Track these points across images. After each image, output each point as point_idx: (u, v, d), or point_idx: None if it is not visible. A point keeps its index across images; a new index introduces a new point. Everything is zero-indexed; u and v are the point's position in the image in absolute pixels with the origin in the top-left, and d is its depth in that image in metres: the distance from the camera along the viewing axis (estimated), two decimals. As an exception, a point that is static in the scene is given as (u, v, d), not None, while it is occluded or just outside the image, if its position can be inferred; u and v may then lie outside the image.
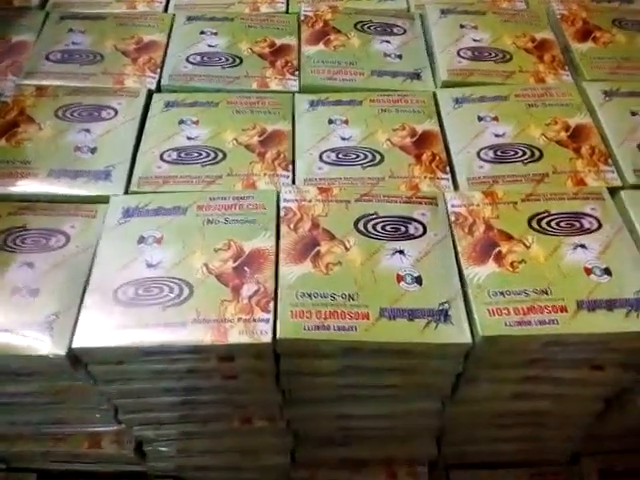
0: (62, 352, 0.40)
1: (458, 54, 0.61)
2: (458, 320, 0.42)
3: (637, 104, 0.57)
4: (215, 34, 0.64)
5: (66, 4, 0.68)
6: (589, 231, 0.47)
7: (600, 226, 0.47)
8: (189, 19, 0.66)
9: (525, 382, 0.46)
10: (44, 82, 0.59)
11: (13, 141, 0.53)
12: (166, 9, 0.69)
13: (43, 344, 0.41)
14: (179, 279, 0.44)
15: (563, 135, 0.54)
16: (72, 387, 0.46)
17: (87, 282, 0.44)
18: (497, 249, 0.46)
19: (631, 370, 0.45)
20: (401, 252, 0.46)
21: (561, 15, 0.66)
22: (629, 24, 0.65)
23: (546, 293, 0.43)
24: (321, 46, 0.63)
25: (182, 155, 0.53)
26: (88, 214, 0.49)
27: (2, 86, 0.59)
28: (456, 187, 0.51)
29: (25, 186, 0.50)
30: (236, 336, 0.40)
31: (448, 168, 0.52)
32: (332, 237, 0.46)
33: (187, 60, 0.61)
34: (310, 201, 0.48)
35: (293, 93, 0.59)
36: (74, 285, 0.44)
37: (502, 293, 0.43)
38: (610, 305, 0.42)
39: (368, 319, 0.41)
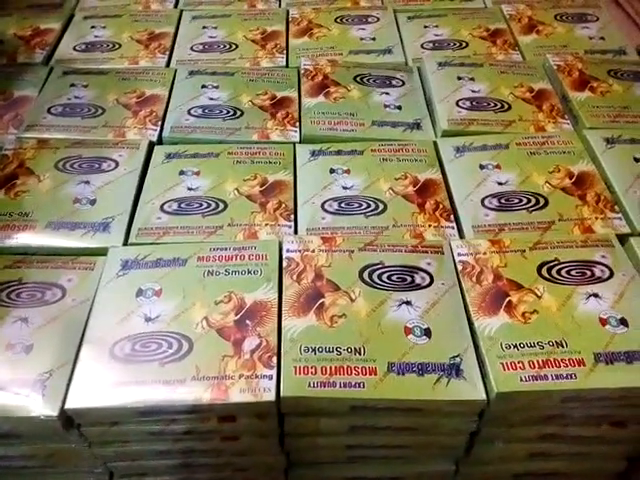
0: (54, 413, 0.37)
1: (457, 104, 0.62)
2: (471, 375, 0.40)
3: (639, 151, 0.57)
4: (216, 87, 0.65)
5: (70, 60, 0.69)
6: (601, 279, 0.46)
7: (612, 274, 0.46)
8: (191, 73, 0.67)
9: (542, 440, 0.44)
10: (45, 135, 0.59)
11: (12, 193, 0.53)
12: (168, 64, 0.70)
13: (34, 404, 0.38)
14: (178, 333, 0.42)
15: (567, 182, 0.54)
16: (65, 450, 0.43)
17: (82, 338, 0.42)
18: (507, 299, 0.44)
19: (654, 426, 0.43)
20: (408, 303, 0.44)
21: (557, 66, 0.67)
22: (625, 75, 0.66)
23: (562, 345, 0.41)
24: (321, 98, 0.63)
25: (183, 206, 0.52)
26: (86, 266, 0.47)
27: (3, 139, 0.59)
28: (461, 235, 0.50)
29: (23, 238, 0.49)
30: (237, 394, 0.38)
31: (452, 216, 0.52)
32: (336, 288, 0.45)
33: (188, 112, 0.61)
34: (313, 251, 0.47)
35: (294, 143, 0.59)
36: (69, 341, 0.42)
37: (515, 346, 0.41)
38: (629, 358, 0.40)
39: (376, 374, 0.39)
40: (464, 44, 0.72)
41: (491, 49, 0.71)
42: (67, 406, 0.38)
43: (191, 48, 0.71)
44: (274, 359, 0.40)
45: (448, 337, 0.42)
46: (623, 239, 0.49)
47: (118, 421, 0.39)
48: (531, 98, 0.63)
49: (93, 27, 0.74)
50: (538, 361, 0.40)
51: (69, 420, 0.38)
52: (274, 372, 0.40)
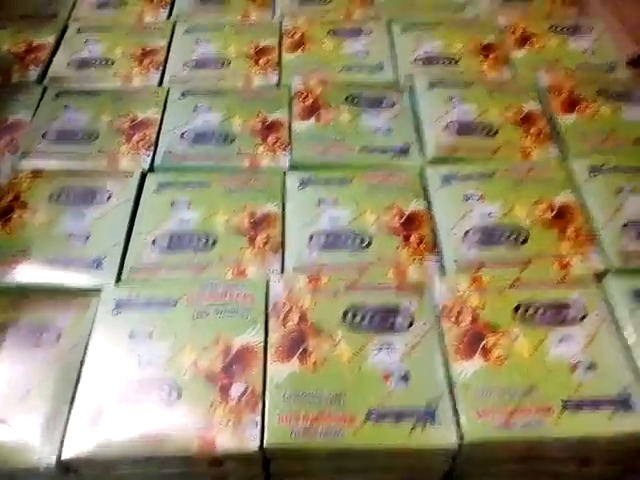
0: (52, 461, 0.40)
1: (445, 129, 0.62)
2: (445, 421, 0.42)
3: (622, 180, 0.57)
4: (209, 109, 0.65)
5: (63, 78, 0.70)
6: (574, 322, 0.47)
7: (585, 316, 0.48)
8: (183, 94, 0.67)
9: (517, 476, 0.46)
10: (40, 163, 0.60)
11: (7, 228, 0.55)
12: (161, 81, 0.70)
13: (32, 451, 0.41)
14: (169, 379, 0.44)
15: (548, 215, 0.55)
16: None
17: (78, 382, 0.45)
18: (483, 342, 0.46)
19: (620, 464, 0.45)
20: (388, 346, 0.46)
21: (547, 85, 0.67)
22: (613, 95, 0.66)
23: (531, 392, 0.43)
24: (312, 121, 0.64)
25: (174, 241, 0.54)
26: (80, 306, 0.50)
27: (0, 167, 0.60)
28: (444, 271, 0.52)
29: (18, 275, 0.51)
30: (224, 443, 0.41)
31: (436, 250, 0.53)
32: (320, 331, 0.47)
33: (181, 137, 0.62)
34: (299, 291, 0.49)
35: (284, 171, 0.60)
36: (65, 386, 0.44)
37: (488, 392, 0.43)
38: (595, 405, 0.42)
39: (354, 422, 0.42)
40: (456, 59, 0.72)
41: (483, 65, 0.71)
42: (63, 456, 0.40)
43: (184, 64, 0.72)
44: (259, 406, 0.43)
45: (425, 382, 0.44)
46: (599, 276, 0.51)
47: (114, 466, 0.42)
48: (519, 121, 0.64)
49: (87, 41, 0.74)
50: (508, 409, 0.42)
51: (67, 467, 0.41)
52: (259, 418, 0.42)
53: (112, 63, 0.71)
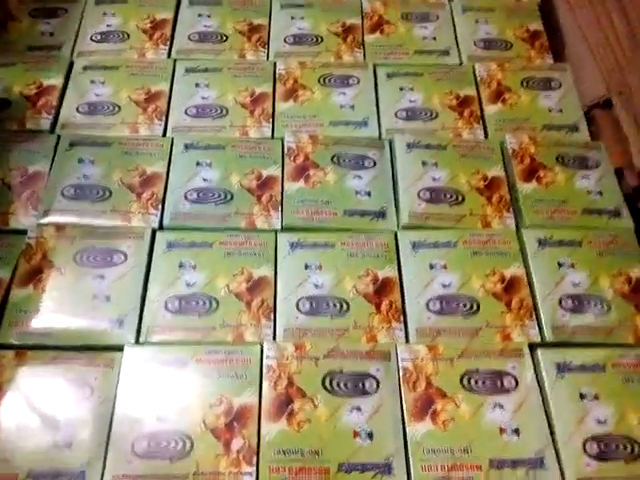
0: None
1: (418, 195, 0.71)
2: (400, 474, 0.55)
3: (564, 254, 0.67)
4: (209, 165, 0.73)
5: (74, 125, 0.76)
6: (507, 390, 0.59)
7: (517, 385, 0.59)
8: (186, 147, 0.74)
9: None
10: (61, 220, 0.68)
11: (39, 288, 0.64)
12: (165, 130, 0.77)
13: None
14: (183, 433, 0.56)
15: (499, 287, 0.66)
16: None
17: (109, 436, 0.56)
18: (433, 407, 0.58)
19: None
20: (358, 409, 0.58)
21: (512, 150, 0.75)
22: (570, 161, 0.75)
23: (467, 452, 0.55)
24: (301, 183, 0.72)
25: (183, 304, 0.63)
26: (107, 363, 0.60)
27: (26, 223, 0.68)
28: (407, 338, 0.63)
29: (51, 333, 0.61)
30: (227, 491, 0.53)
31: (402, 317, 0.64)
32: (304, 395, 0.58)
33: (185, 197, 0.70)
34: (287, 358, 0.60)
35: (276, 231, 0.69)
36: (99, 439, 0.56)
37: (434, 450, 0.56)
38: (515, 464, 0.55)
39: (329, 474, 0.54)
40: (435, 114, 0.79)
41: (458, 122, 0.78)
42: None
43: (185, 112, 0.78)
44: (254, 459, 0.55)
45: (386, 440, 0.56)
46: (534, 347, 0.62)
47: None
48: (484, 188, 0.72)
49: (93, 82, 0.80)
50: (448, 464, 0.55)
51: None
52: (254, 470, 0.54)
53: (119, 109, 0.77)
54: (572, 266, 0.67)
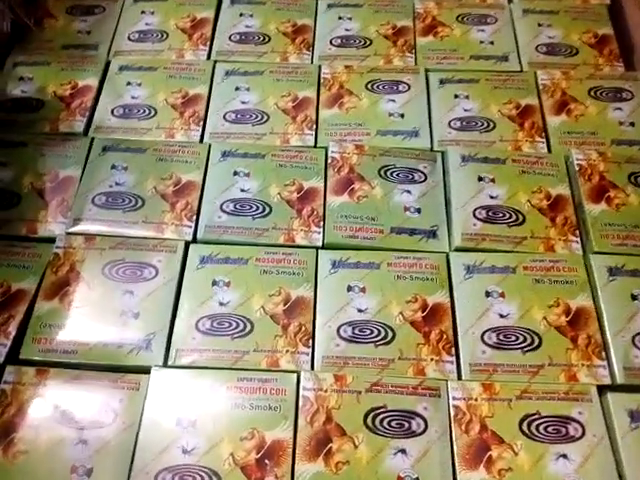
0: None
1: (474, 214, 0.65)
2: (447, 529, 0.49)
3: (638, 285, 0.60)
4: (247, 175, 0.68)
5: (107, 128, 0.72)
6: (573, 439, 0.52)
7: (584, 433, 0.53)
8: (224, 155, 0.70)
9: None
10: (91, 230, 0.65)
11: (65, 302, 0.60)
12: (202, 136, 0.72)
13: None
14: (210, 470, 0.51)
15: (563, 320, 0.59)
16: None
17: (131, 468, 0.51)
18: (489, 453, 0.52)
19: None
20: (403, 451, 0.52)
21: (579, 166, 0.68)
22: (645, 180, 0.68)
23: (526, 508, 0.49)
24: (345, 197, 0.67)
25: (214, 325, 0.59)
26: (132, 386, 0.56)
27: (54, 230, 0.65)
28: (459, 373, 0.57)
29: (76, 351, 0.57)
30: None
31: (453, 349, 0.58)
32: (343, 433, 0.53)
33: (221, 209, 0.66)
34: (326, 391, 0.55)
35: (317, 248, 0.64)
36: (120, 468, 0.52)
37: (487, 505, 0.50)
38: (580, 527, 0.49)
39: (369, 526, 0.49)
40: (492, 124, 0.73)
41: (518, 134, 0.72)
42: None
43: (224, 117, 0.73)
44: (288, 502, 0.50)
45: (433, 489, 0.51)
46: (603, 390, 0.55)
47: None
48: (547, 208, 0.66)
49: (129, 83, 0.76)
50: (506, 522, 0.49)
51: None
52: (287, 514, 0.49)
53: (155, 113, 0.74)
54: (647, 298, 0.60)
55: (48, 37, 0.82)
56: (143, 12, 0.84)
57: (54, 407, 0.54)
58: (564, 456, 0.52)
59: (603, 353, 0.57)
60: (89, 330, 0.58)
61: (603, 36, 0.81)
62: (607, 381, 0.56)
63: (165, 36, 0.82)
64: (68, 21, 0.84)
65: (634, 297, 0.60)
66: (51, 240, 0.64)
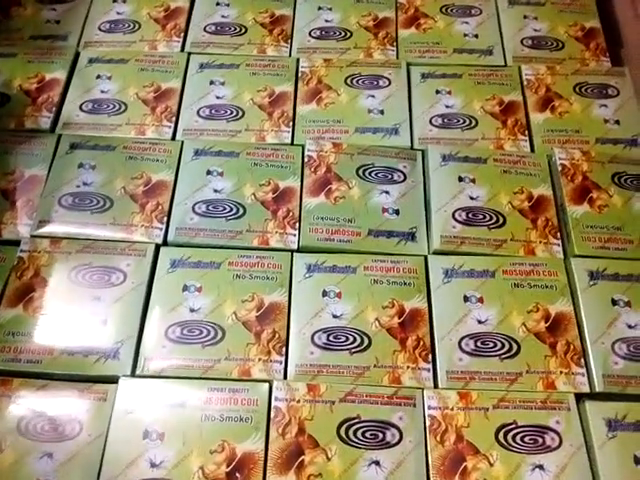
0: None
1: (453, 216, 0.63)
2: None
3: (619, 290, 0.59)
4: (221, 174, 0.66)
5: (75, 124, 0.70)
6: (550, 449, 0.51)
7: (561, 443, 0.52)
8: (196, 153, 0.67)
9: None
10: (57, 231, 0.62)
11: (30, 309, 0.58)
12: (174, 133, 0.70)
13: None
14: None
15: (542, 326, 0.58)
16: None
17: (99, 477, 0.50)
18: (464, 464, 0.51)
19: None
20: (377, 463, 0.51)
21: (562, 166, 0.66)
22: (628, 181, 0.66)
23: (500, 522, 0.48)
24: (322, 198, 0.65)
25: (185, 332, 0.57)
26: (100, 397, 0.54)
27: (19, 232, 0.62)
28: (436, 381, 0.55)
29: (41, 361, 0.55)
30: None
31: (430, 356, 0.56)
32: (316, 445, 0.51)
33: (193, 210, 0.64)
34: (298, 401, 0.53)
35: (292, 251, 0.62)
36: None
37: (461, 518, 0.49)
38: (555, 540, 0.48)
39: (341, 542, 0.48)
40: (474, 122, 0.71)
41: (500, 132, 0.70)
42: None
43: (197, 113, 0.71)
44: (257, 517, 0.48)
45: (406, 502, 0.49)
46: (581, 398, 0.54)
47: None
48: (528, 209, 0.64)
49: (99, 76, 0.73)
50: (478, 536, 0.48)
51: None
52: (256, 530, 0.48)
53: (125, 109, 0.71)
54: (628, 304, 0.58)
55: (16, 26, 0.79)
56: (115, 0, 0.81)
57: (18, 419, 0.53)
58: (540, 467, 0.51)
59: (582, 360, 0.56)
60: (54, 338, 0.56)
61: (590, 29, 0.79)
62: (586, 389, 0.55)
63: (137, 26, 0.78)
64: (37, 9, 0.81)
65: (614, 302, 0.58)
66: (16, 243, 0.62)
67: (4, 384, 0.54)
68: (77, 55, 0.75)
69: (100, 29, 0.78)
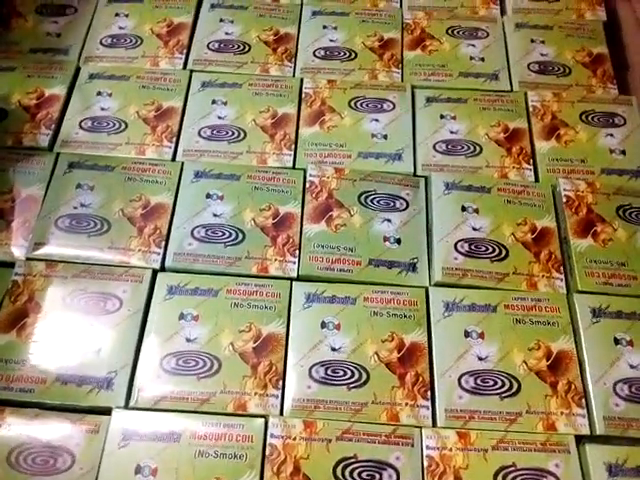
0: None
1: (455, 247, 0.62)
2: None
3: (622, 329, 0.58)
4: (221, 198, 0.65)
5: (74, 143, 0.68)
6: (548, 494, 0.51)
7: (560, 488, 0.51)
8: (196, 175, 0.66)
9: None
10: (53, 254, 0.61)
11: (23, 335, 0.57)
12: (175, 154, 0.69)
13: None
14: (170, 522, 0.49)
15: (543, 365, 0.57)
16: None
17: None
18: (460, 509, 0.50)
19: None
20: (373, 505, 0.50)
21: (567, 198, 0.65)
22: (633, 214, 0.65)
23: None
24: (323, 225, 0.64)
25: (180, 363, 0.56)
26: (92, 429, 0.53)
27: (14, 253, 0.61)
28: (434, 419, 0.54)
29: (33, 390, 0.54)
30: None
31: (429, 394, 0.56)
32: (311, 485, 0.51)
33: (191, 235, 0.63)
34: (294, 439, 0.52)
35: (291, 279, 0.61)
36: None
37: None
38: None
39: None
40: (478, 149, 0.70)
41: (505, 160, 0.69)
42: None
43: (199, 133, 0.70)
44: None
45: None
46: (581, 440, 0.54)
47: None
48: (531, 241, 0.63)
49: (99, 93, 0.72)
50: None
51: None
52: None
53: (125, 127, 0.70)
54: (630, 344, 0.57)
55: (15, 39, 0.78)
56: (117, 14, 0.80)
57: (9, 450, 0.52)
58: (539, 513, 0.50)
59: (583, 401, 0.55)
60: (48, 366, 0.55)
61: (597, 55, 0.78)
62: (586, 431, 0.54)
63: (139, 42, 0.77)
64: (38, 22, 0.79)
65: (617, 341, 0.58)
66: (10, 265, 0.61)
67: (-5, 413, 0.54)
68: (77, 70, 0.74)
69: (102, 43, 0.77)
